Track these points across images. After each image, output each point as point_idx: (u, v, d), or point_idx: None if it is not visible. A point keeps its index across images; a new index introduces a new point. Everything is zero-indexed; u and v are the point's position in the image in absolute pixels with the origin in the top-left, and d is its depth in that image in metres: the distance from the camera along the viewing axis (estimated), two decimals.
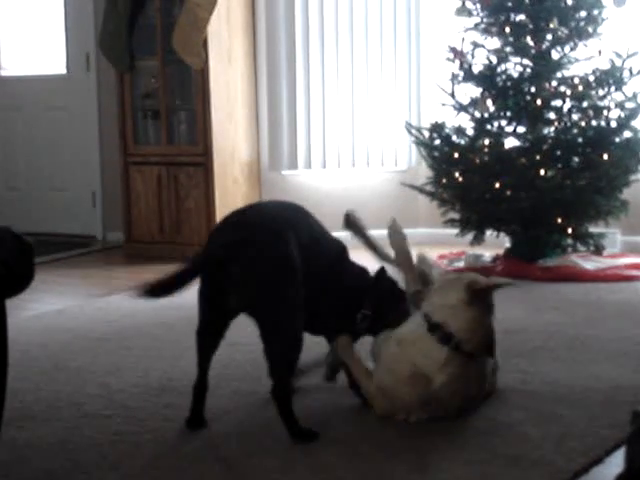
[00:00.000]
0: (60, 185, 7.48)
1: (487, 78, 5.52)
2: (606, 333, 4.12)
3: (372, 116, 6.52)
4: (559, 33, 5.43)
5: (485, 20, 5.54)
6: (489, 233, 5.68)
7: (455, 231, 5.74)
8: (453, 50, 5.57)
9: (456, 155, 5.55)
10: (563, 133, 5.42)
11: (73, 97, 7.32)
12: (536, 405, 3.19)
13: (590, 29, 5.42)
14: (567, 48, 5.48)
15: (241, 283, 2.87)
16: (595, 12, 5.43)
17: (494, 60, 5.54)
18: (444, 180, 5.63)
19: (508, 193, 5.40)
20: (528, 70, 5.50)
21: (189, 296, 5.35)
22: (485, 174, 5.46)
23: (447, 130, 5.62)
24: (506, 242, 5.75)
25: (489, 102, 5.51)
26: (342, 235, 3.33)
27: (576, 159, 5.44)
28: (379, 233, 3.50)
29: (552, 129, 5.46)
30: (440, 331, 2.98)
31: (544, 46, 5.47)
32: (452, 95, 5.61)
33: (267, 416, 3.07)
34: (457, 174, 5.55)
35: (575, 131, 5.41)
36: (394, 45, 6.49)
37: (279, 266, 2.88)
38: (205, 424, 3.05)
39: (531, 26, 5.45)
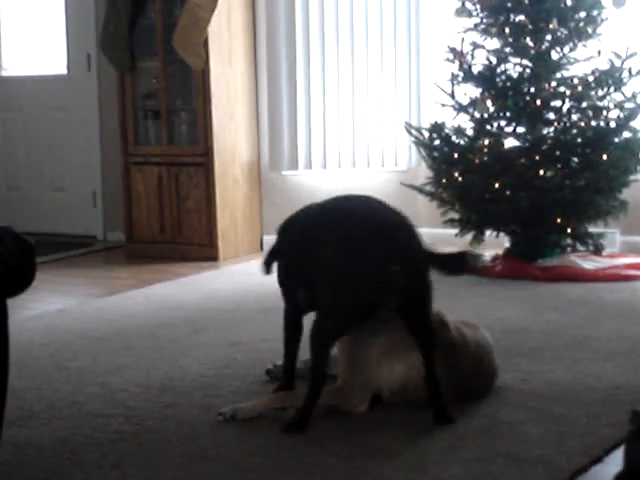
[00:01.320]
0: (60, 185, 7.48)
1: (487, 78, 5.53)
2: (606, 333, 4.13)
3: (372, 116, 6.51)
4: (558, 34, 5.43)
5: (485, 21, 5.55)
6: (489, 233, 5.69)
7: (455, 231, 5.74)
8: (453, 50, 5.58)
9: (456, 155, 5.55)
10: (562, 133, 5.42)
11: (74, 97, 7.32)
12: (536, 404, 3.19)
13: (589, 30, 5.42)
14: (566, 49, 5.49)
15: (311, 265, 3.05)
16: (594, 13, 5.44)
17: (494, 60, 5.55)
18: (444, 180, 5.63)
19: (508, 193, 5.40)
20: (527, 70, 5.50)
21: (189, 296, 5.35)
22: (485, 174, 5.46)
23: (447, 130, 5.62)
24: (506, 242, 5.76)
25: (489, 102, 5.51)
26: None
27: (575, 159, 5.44)
28: None
29: (551, 129, 5.47)
30: None
31: (543, 47, 5.47)
32: (452, 95, 5.62)
33: (267, 416, 3.09)
34: (457, 174, 5.55)
35: (574, 131, 5.41)
36: (394, 45, 6.48)
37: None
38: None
39: (530, 27, 5.46)
